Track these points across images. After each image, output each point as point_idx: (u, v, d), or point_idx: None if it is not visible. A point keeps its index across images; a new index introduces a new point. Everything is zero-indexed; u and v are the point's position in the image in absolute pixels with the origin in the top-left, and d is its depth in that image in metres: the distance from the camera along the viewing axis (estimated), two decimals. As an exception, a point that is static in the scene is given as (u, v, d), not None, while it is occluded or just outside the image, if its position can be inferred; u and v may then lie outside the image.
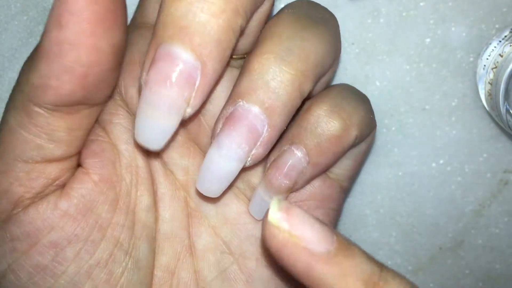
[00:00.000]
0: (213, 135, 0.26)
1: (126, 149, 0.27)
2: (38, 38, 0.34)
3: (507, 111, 0.32)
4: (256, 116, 0.25)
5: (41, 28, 0.34)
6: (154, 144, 0.25)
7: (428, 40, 0.34)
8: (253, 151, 0.25)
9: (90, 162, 0.26)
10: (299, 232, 0.22)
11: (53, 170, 0.25)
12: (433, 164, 0.36)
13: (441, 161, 0.36)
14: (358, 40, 0.34)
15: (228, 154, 0.25)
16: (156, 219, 0.28)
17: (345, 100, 0.28)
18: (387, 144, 0.36)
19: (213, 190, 0.26)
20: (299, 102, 0.26)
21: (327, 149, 0.27)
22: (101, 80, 0.23)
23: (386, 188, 0.37)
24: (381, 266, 0.23)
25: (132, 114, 0.27)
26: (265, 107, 0.25)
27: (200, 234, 0.29)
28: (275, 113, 0.25)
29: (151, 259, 0.28)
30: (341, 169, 0.30)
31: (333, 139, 0.27)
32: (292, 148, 0.27)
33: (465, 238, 0.37)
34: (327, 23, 0.27)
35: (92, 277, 0.26)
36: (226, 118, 0.25)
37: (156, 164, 0.28)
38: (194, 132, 0.28)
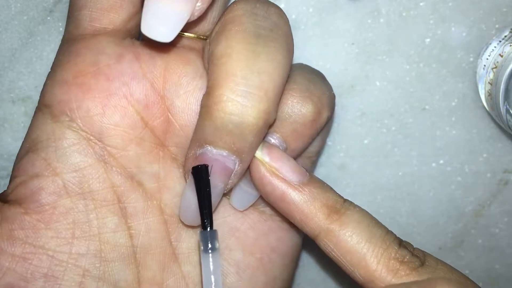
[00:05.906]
0: (185, 173, 0.27)
1: (75, 176, 0.26)
2: (38, 38, 0.34)
3: (507, 111, 0.32)
4: (226, 157, 0.26)
5: (41, 28, 0.34)
6: (164, 34, 0.24)
7: (428, 40, 0.34)
8: (229, 185, 0.27)
9: (27, 203, 0.26)
10: (277, 165, 0.27)
11: None
12: (433, 164, 0.36)
13: (441, 161, 0.36)
14: (358, 40, 0.34)
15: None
16: (130, 236, 0.27)
17: (312, 83, 0.28)
18: (387, 144, 0.36)
19: (194, 219, 0.27)
20: (266, 129, 0.26)
21: (303, 134, 0.28)
22: None
23: (386, 188, 0.37)
24: (345, 199, 0.27)
25: (85, 132, 0.27)
26: (233, 150, 0.26)
27: (181, 238, 0.28)
28: (244, 152, 0.26)
29: (133, 277, 0.27)
30: (311, 146, 0.30)
31: (308, 123, 0.28)
32: (268, 137, 0.27)
33: (465, 238, 0.37)
34: (277, 33, 0.26)
35: None
36: (195, 158, 0.26)
37: (119, 180, 0.27)
38: (162, 133, 0.28)
